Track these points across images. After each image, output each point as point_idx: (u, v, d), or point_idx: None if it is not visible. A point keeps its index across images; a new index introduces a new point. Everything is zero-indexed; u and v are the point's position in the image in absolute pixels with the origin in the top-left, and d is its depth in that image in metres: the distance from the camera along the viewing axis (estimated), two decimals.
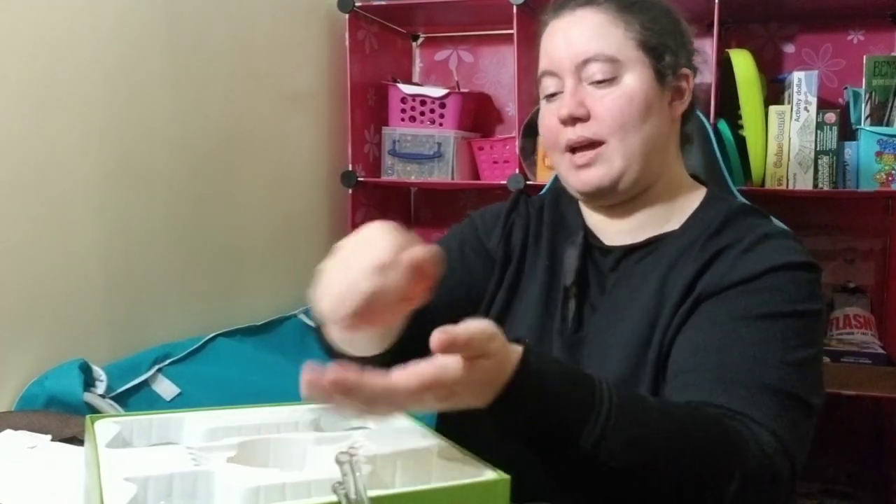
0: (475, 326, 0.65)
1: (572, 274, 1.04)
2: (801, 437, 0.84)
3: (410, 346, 0.85)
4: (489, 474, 0.69)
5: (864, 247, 2.17)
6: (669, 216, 1.05)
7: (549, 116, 1.04)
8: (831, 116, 1.92)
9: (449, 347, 0.63)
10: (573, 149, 1.02)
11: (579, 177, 1.02)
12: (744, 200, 1.14)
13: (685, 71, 1.05)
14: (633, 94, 0.99)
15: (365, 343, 0.83)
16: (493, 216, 1.16)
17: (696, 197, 1.07)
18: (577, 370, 0.76)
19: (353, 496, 0.57)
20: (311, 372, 0.62)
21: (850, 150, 1.94)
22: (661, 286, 0.98)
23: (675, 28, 1.05)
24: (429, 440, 0.76)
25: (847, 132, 1.98)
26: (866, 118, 1.93)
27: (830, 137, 1.92)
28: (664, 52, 1.02)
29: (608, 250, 1.06)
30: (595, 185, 1.01)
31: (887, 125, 1.92)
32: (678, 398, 0.86)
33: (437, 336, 0.62)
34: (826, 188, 1.94)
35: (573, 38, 1.01)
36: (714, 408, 0.82)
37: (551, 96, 1.04)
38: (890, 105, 1.92)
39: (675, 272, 0.98)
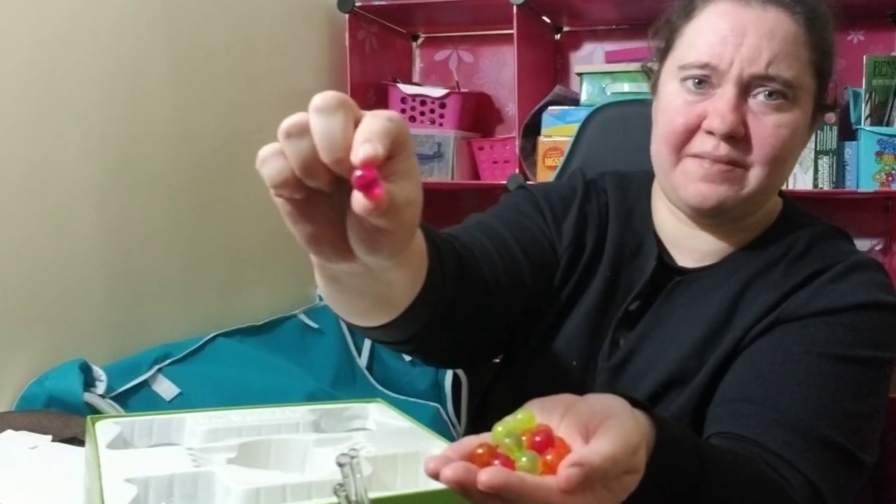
0: (614, 442, 0.52)
1: (638, 301, 0.93)
2: (843, 494, 0.79)
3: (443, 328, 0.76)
4: None
5: (864, 247, 2.17)
6: (750, 233, 0.94)
7: (685, 108, 0.87)
8: (831, 116, 1.92)
9: (584, 482, 0.50)
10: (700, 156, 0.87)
11: (698, 189, 0.86)
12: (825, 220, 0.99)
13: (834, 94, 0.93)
14: (796, 127, 0.86)
15: (367, 297, 0.65)
16: (561, 202, 0.98)
17: (772, 210, 0.96)
18: (690, 450, 0.66)
19: (353, 498, 0.57)
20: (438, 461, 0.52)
21: (850, 150, 1.94)
22: (732, 305, 0.88)
23: (835, 42, 0.91)
24: (429, 441, 0.76)
25: (847, 132, 1.98)
26: (866, 118, 1.93)
27: (830, 137, 1.92)
28: (828, 80, 0.90)
29: (681, 271, 0.94)
30: (716, 202, 0.86)
31: (887, 125, 1.92)
32: (721, 425, 0.81)
33: (567, 473, 0.49)
34: (826, 188, 1.94)
35: (758, 44, 0.83)
36: (758, 448, 0.78)
37: (698, 83, 0.86)
38: (890, 105, 1.92)
39: (753, 292, 0.89)
